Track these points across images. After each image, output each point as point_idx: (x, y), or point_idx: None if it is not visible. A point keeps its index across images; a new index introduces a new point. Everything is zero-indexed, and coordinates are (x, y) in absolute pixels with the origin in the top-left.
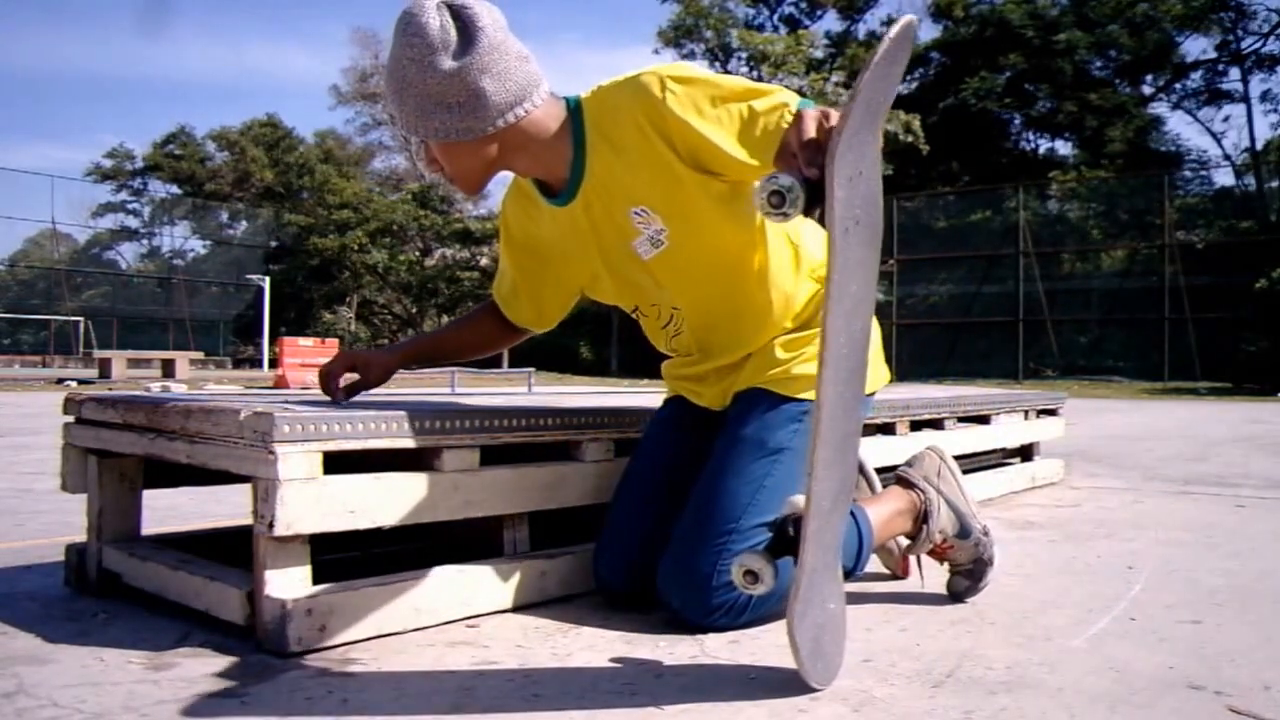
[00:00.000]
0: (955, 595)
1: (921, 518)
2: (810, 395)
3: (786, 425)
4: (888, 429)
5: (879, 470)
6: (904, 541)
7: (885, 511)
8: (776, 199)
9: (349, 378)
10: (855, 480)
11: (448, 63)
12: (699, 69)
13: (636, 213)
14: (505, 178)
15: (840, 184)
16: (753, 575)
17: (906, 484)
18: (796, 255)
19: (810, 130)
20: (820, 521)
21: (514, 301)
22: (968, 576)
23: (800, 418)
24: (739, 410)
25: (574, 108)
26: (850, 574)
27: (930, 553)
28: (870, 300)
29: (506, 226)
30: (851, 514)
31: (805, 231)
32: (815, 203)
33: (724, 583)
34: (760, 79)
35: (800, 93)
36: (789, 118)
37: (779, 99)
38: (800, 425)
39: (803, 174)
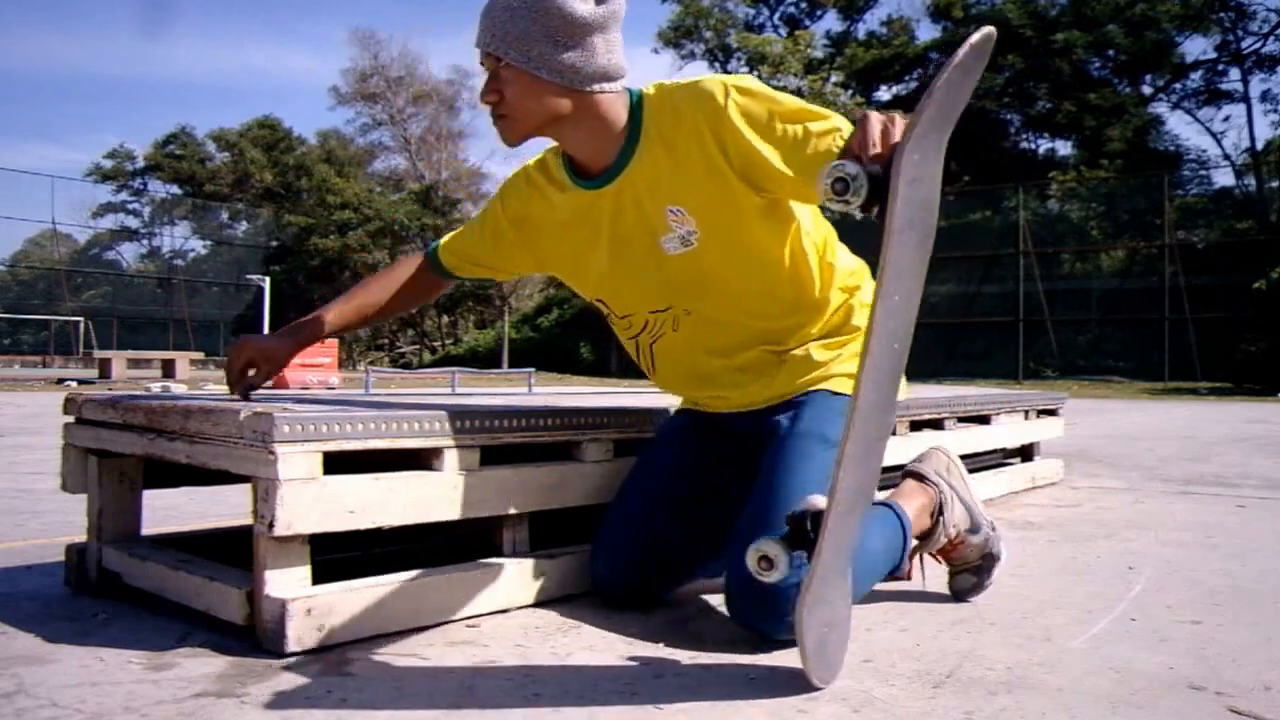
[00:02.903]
0: (959, 594)
1: (937, 512)
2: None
3: (841, 418)
4: None
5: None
6: (912, 541)
7: (914, 508)
8: (840, 185)
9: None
10: (875, 484)
11: (583, 7)
12: (761, 84)
13: (673, 211)
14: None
15: (904, 183)
16: (768, 561)
17: (920, 478)
18: (824, 264)
19: (876, 129)
20: (837, 520)
21: (462, 254)
22: (974, 574)
23: (824, 419)
24: (788, 413)
25: (636, 100)
26: (894, 573)
27: (940, 550)
28: (914, 306)
29: (508, 194)
30: (895, 512)
31: (836, 244)
32: (876, 198)
33: (788, 606)
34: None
35: (798, 93)
36: (840, 142)
37: (833, 123)
38: (825, 421)
39: (867, 168)
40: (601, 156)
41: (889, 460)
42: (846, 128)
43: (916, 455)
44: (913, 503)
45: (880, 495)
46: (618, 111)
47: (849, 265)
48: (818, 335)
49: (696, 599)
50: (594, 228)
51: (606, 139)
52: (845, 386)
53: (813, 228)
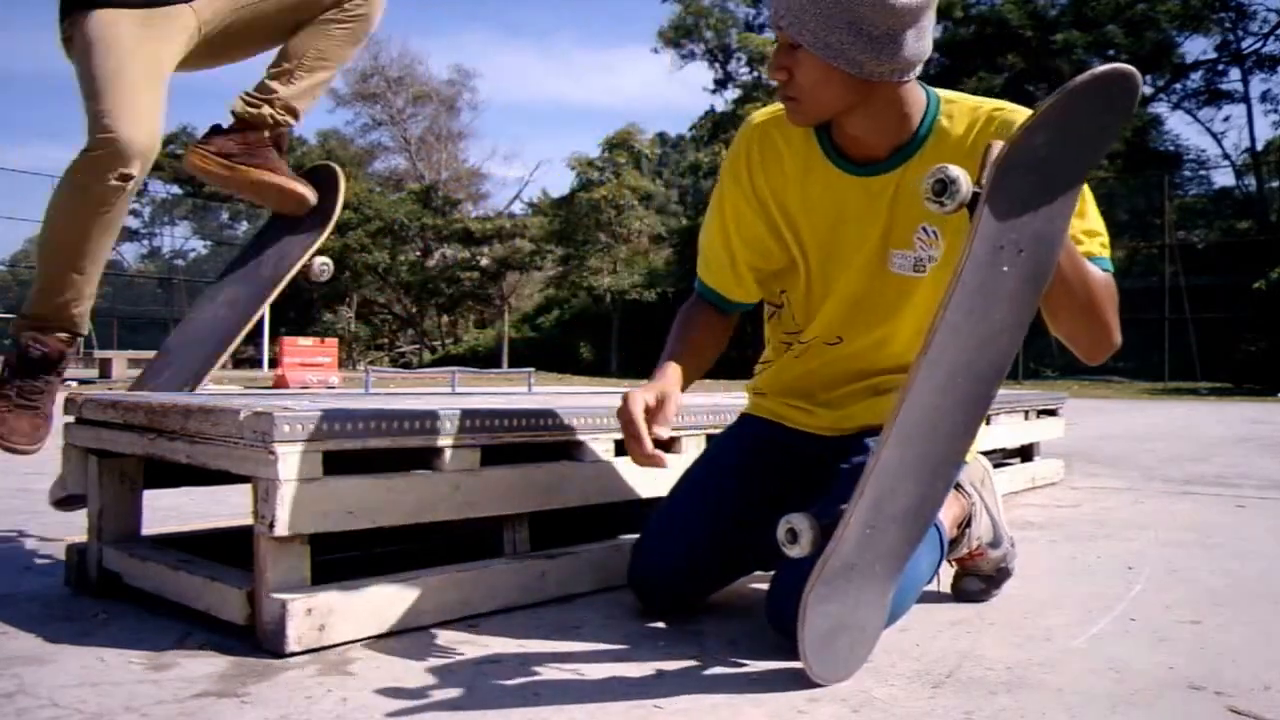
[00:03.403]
0: (962, 596)
1: (965, 523)
2: None
3: None
4: None
5: None
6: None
7: (949, 518)
8: (939, 186)
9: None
10: (936, 510)
11: None
12: None
13: (926, 230)
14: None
15: (1000, 200)
16: (793, 534)
17: (957, 487)
18: None
19: (995, 151)
20: (881, 525)
21: (737, 285)
22: (983, 580)
23: None
24: (863, 444)
25: (933, 99)
26: (940, 563)
27: (957, 558)
28: (1010, 336)
29: (750, 182)
30: (937, 529)
31: None
32: (973, 210)
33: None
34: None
35: None
36: (1100, 250)
37: (1109, 260)
38: None
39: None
40: (879, 148)
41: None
42: (1105, 245)
43: None
44: (949, 513)
45: None
46: (914, 101)
47: None
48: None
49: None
50: (837, 215)
51: (894, 132)
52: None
53: None
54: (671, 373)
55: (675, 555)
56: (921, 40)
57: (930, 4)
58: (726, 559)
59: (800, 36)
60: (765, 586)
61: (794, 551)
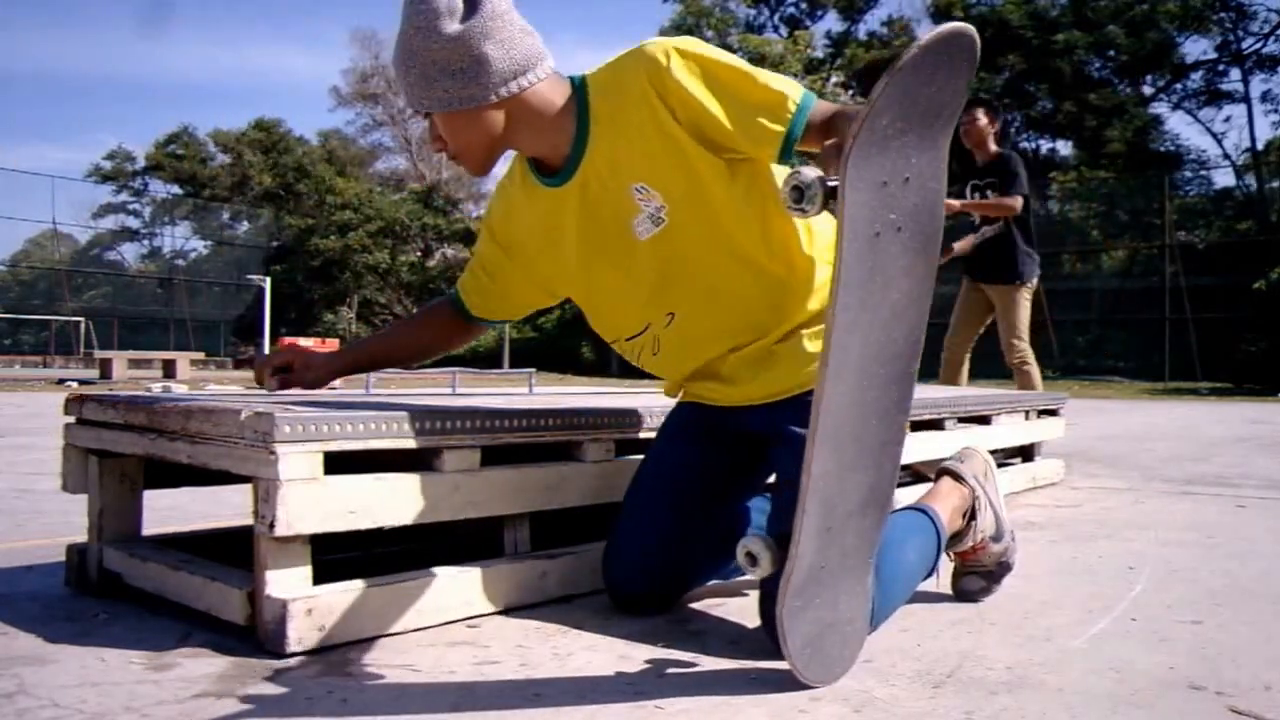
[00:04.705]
0: (963, 594)
1: (970, 515)
2: None
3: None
4: None
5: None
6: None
7: (948, 509)
8: (795, 194)
9: (284, 373)
10: (891, 489)
11: (452, 26)
12: (705, 44)
13: (637, 189)
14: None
15: (861, 188)
16: (751, 557)
17: (957, 479)
18: (809, 232)
19: (838, 133)
20: (837, 523)
21: (477, 294)
22: (985, 578)
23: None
24: (794, 414)
25: (579, 85)
26: (928, 575)
27: (959, 551)
28: (917, 308)
29: (490, 216)
30: (930, 518)
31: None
32: (833, 202)
33: None
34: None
35: None
36: (790, 109)
37: (778, 87)
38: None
39: (825, 176)
40: (558, 149)
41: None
42: (796, 94)
43: (955, 453)
44: (948, 504)
45: (917, 491)
46: (553, 100)
47: (831, 236)
48: (805, 322)
49: (697, 600)
50: (564, 227)
51: (554, 130)
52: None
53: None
54: (344, 350)
55: (648, 551)
56: (510, 49)
57: (497, 17)
58: (694, 552)
59: (421, 105)
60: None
61: (757, 574)
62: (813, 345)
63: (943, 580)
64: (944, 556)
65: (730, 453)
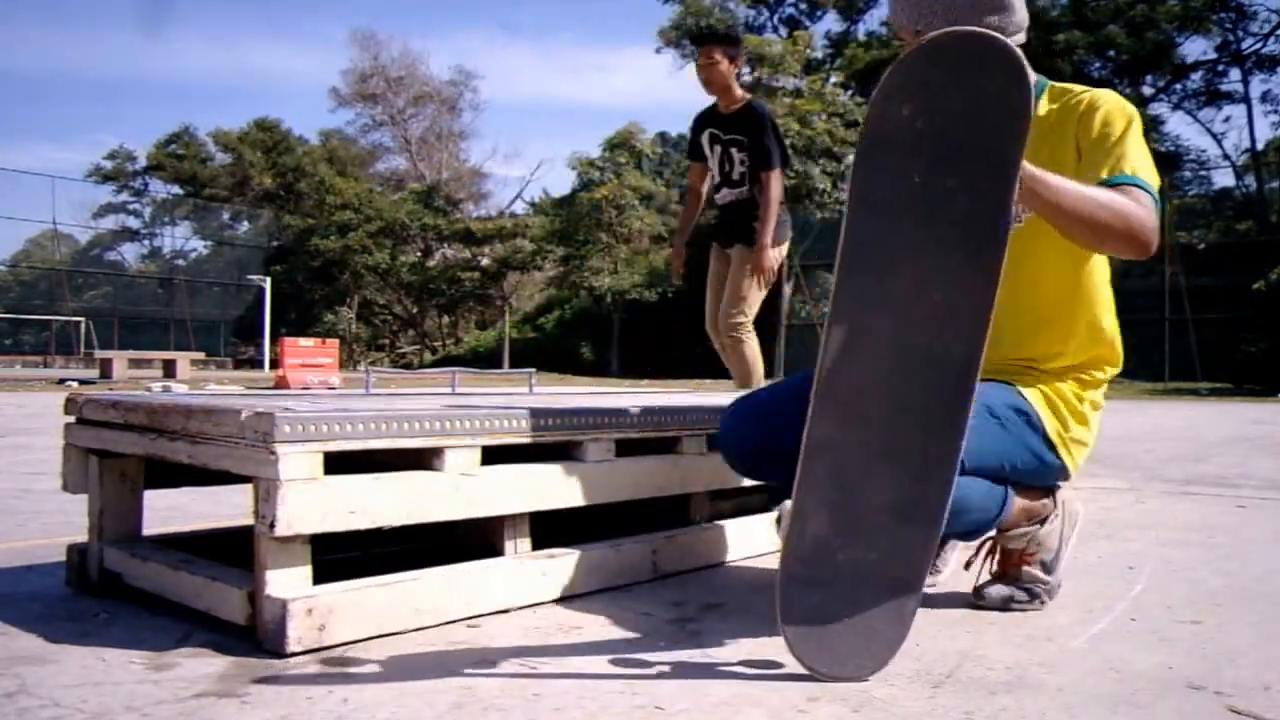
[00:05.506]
0: (981, 597)
1: (1037, 521)
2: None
3: (1012, 405)
4: None
5: None
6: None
7: (1024, 503)
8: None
9: None
10: (940, 511)
11: None
12: (1134, 119)
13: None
14: None
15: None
16: (778, 521)
17: (1048, 493)
18: (1102, 305)
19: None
20: (862, 511)
21: None
22: (1011, 589)
23: (1020, 416)
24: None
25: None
26: (989, 524)
27: (1005, 555)
28: (976, 320)
29: None
30: (1005, 490)
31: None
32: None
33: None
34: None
35: (798, 92)
36: (1146, 184)
37: (1142, 178)
38: (1021, 420)
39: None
40: None
41: None
42: (1148, 183)
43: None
44: (1025, 499)
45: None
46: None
47: (1111, 327)
48: (1068, 363)
49: (698, 599)
50: None
51: None
52: (1034, 399)
53: (1099, 270)
54: None
55: (753, 423)
56: (1025, 7)
57: None
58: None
59: (930, 26)
60: (764, 584)
61: (779, 535)
62: (1064, 386)
63: (943, 580)
64: (957, 553)
65: None
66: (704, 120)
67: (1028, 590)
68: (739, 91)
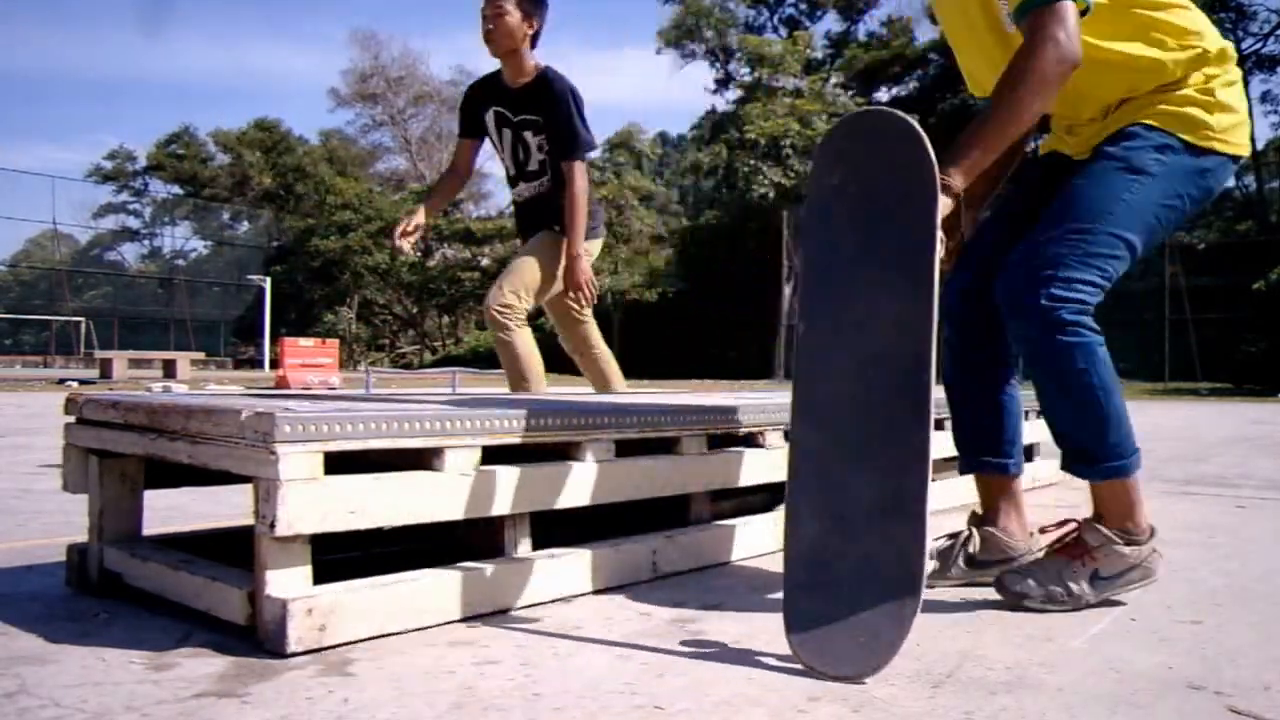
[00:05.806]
0: (1002, 588)
1: (1124, 532)
2: (1174, 128)
3: (1150, 151)
4: None
5: None
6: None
7: (1136, 503)
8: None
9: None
10: (921, 503)
11: None
12: None
13: None
14: None
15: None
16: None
17: (1149, 533)
18: (1155, 31)
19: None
20: (850, 513)
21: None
22: (1036, 585)
23: (1164, 150)
24: (1106, 140)
25: None
26: (1119, 460)
27: (1074, 542)
28: (918, 331)
29: None
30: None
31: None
32: None
33: (1061, 277)
34: (759, 79)
35: (798, 93)
36: (1036, 21)
37: None
38: (1165, 157)
39: None
40: None
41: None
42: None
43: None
44: (1125, 494)
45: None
46: None
47: (1186, 25)
48: (1150, 90)
49: (698, 599)
50: (961, 19)
51: None
52: (1168, 123)
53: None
54: None
55: (966, 274)
56: None
57: None
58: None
59: None
60: (763, 584)
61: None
62: (1149, 98)
63: (944, 586)
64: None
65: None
66: (485, 94)
67: (1048, 593)
68: (531, 61)
